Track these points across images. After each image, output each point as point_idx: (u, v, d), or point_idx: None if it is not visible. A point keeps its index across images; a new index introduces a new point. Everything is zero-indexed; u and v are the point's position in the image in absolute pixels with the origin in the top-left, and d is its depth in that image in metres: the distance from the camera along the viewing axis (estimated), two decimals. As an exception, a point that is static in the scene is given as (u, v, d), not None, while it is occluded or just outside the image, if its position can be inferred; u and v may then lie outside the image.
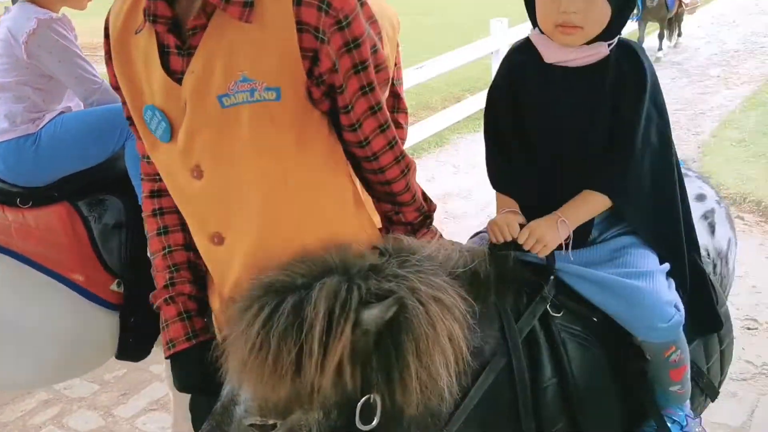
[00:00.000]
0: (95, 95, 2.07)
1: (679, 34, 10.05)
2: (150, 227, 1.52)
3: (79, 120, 2.08)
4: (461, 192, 5.36)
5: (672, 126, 1.59)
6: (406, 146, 1.70)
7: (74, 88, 2.05)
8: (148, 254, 1.59)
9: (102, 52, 1.42)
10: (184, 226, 1.47)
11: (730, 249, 1.93)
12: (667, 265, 1.53)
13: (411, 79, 5.82)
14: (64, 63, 2.00)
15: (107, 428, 3.02)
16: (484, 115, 1.65)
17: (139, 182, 2.08)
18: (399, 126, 1.87)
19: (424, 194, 1.55)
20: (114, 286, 2.11)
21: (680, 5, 9.41)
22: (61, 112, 2.10)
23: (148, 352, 2.28)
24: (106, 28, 1.39)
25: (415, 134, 6.11)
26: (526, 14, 1.54)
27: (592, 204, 1.50)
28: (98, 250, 2.09)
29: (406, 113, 1.99)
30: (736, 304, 3.22)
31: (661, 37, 9.38)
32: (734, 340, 1.89)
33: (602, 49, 1.46)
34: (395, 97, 1.91)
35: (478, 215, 4.91)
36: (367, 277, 1.20)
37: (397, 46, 1.92)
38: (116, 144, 2.08)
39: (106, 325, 2.12)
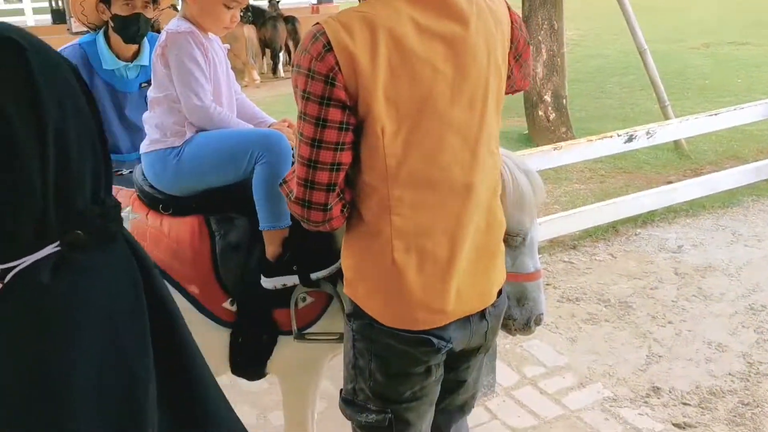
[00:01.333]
0: (196, 118, 2.10)
1: None
2: None
3: (217, 140, 2.11)
4: (728, 268, 4.51)
5: None
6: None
7: (182, 104, 2.10)
8: None
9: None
10: None
11: None
12: None
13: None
14: (177, 78, 2.06)
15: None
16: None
17: (262, 207, 2.07)
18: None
19: None
20: (227, 304, 2.12)
21: None
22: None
23: (261, 375, 2.28)
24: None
25: (697, 188, 5.33)
26: None
27: None
28: (217, 267, 2.11)
29: None
30: None
31: None
32: None
33: None
34: None
35: (737, 302, 4.09)
36: None
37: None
38: (247, 167, 2.09)
39: (216, 340, 2.14)
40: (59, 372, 1.06)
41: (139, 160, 3.06)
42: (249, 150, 2.06)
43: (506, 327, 2.11)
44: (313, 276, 2.07)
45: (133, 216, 2.14)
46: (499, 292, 1.82)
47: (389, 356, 1.69)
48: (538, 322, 2.08)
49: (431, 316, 1.65)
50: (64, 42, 10.05)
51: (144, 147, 2.19)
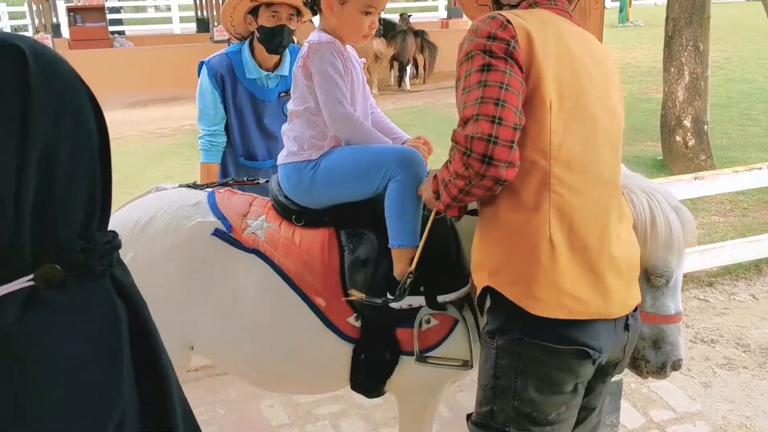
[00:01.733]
0: (338, 126, 2.08)
1: None
2: None
3: (353, 155, 2.10)
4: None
5: None
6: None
7: (323, 113, 2.09)
8: None
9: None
10: None
11: None
12: None
13: None
14: (320, 87, 2.05)
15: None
16: None
17: (393, 225, 2.05)
18: None
19: None
20: (352, 319, 2.11)
21: None
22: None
23: (380, 393, 2.25)
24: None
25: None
26: None
27: None
28: (345, 281, 2.10)
29: None
30: None
31: None
32: None
33: None
34: None
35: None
36: None
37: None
38: (380, 184, 2.07)
39: (339, 354, 2.13)
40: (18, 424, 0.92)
41: (273, 168, 3.15)
42: (384, 166, 2.04)
43: (637, 368, 2.02)
44: (440, 299, 2.02)
45: (267, 225, 2.16)
46: (634, 309, 1.79)
47: (540, 372, 1.68)
48: (675, 367, 1.98)
49: (577, 306, 1.65)
50: (207, 49, 10.64)
51: (281, 158, 2.22)
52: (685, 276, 4.51)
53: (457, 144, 1.62)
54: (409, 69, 12.93)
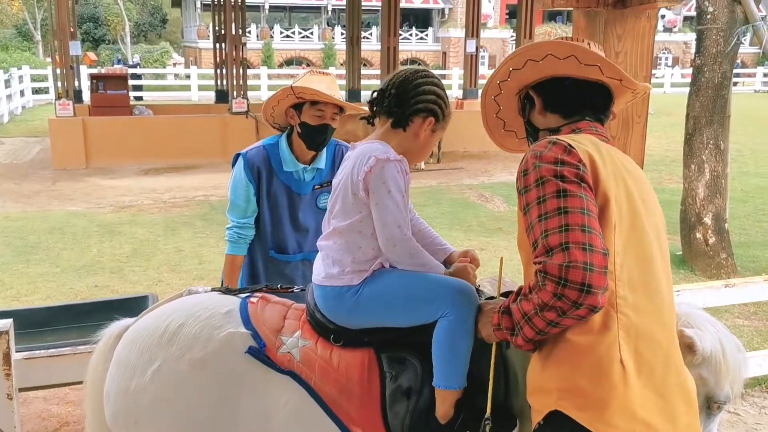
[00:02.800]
0: (393, 249, 1.98)
1: None
2: None
3: (401, 287, 1.99)
4: None
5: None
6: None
7: (378, 234, 1.99)
8: None
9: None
10: None
11: None
12: None
13: None
14: (379, 206, 1.96)
15: None
16: None
17: (441, 364, 1.93)
18: None
19: None
20: None
21: None
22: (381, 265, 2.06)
23: None
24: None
25: None
26: None
27: None
28: (385, 410, 1.98)
29: None
30: None
31: None
32: None
33: None
34: None
35: None
36: None
37: None
38: (431, 317, 1.96)
39: None
40: None
41: (303, 261, 3.07)
42: (436, 304, 1.93)
43: None
44: None
45: (303, 343, 2.05)
46: None
47: None
48: None
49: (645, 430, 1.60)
50: (225, 120, 10.77)
51: (319, 278, 2.09)
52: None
53: (547, 275, 1.56)
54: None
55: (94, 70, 17.29)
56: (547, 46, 1.79)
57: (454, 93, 19.43)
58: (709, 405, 1.91)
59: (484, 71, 17.55)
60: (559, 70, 1.81)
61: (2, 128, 17.47)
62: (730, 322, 5.58)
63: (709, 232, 6.80)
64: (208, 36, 31.47)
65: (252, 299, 2.16)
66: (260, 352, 1.99)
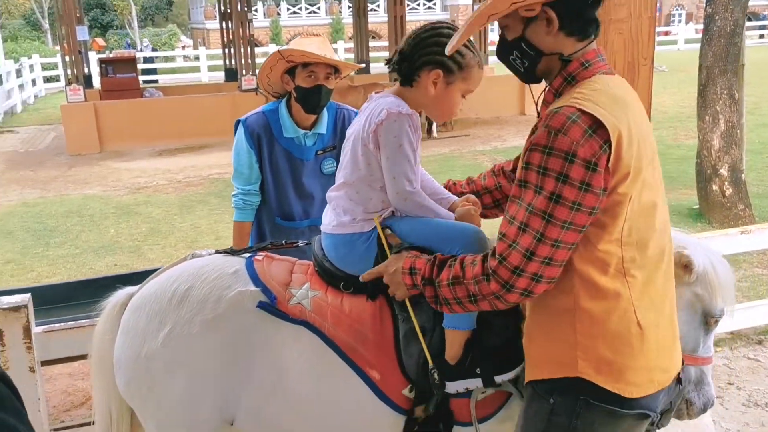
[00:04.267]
0: (403, 203, 1.98)
1: None
2: None
3: (415, 229, 1.99)
4: None
5: None
6: None
7: (387, 187, 1.99)
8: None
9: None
10: None
11: None
12: None
13: None
14: (390, 160, 1.95)
15: None
16: None
17: None
18: None
19: None
20: (406, 391, 2.00)
21: None
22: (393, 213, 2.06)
23: None
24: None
25: None
26: None
27: None
28: (399, 352, 1.99)
29: None
30: None
31: None
32: None
33: None
34: None
35: None
36: None
37: None
38: None
39: (392, 426, 2.01)
40: None
41: (310, 227, 3.07)
42: (449, 247, 1.93)
43: (679, 412, 2.04)
44: (498, 379, 1.91)
45: (313, 293, 2.06)
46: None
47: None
48: (708, 408, 2.09)
49: (662, 376, 1.69)
50: (235, 98, 10.76)
51: (329, 227, 2.10)
52: (732, 333, 4.36)
53: (497, 275, 1.61)
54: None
55: (103, 56, 17.28)
56: None
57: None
58: (707, 320, 2.02)
59: (494, 37, 17.33)
60: None
61: (16, 118, 17.59)
62: (749, 271, 5.54)
63: (726, 183, 6.72)
64: (215, 16, 31.37)
65: (257, 257, 2.16)
66: (271, 306, 2.00)
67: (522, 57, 1.68)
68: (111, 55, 15.13)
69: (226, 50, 14.77)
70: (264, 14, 36.78)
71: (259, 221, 3.19)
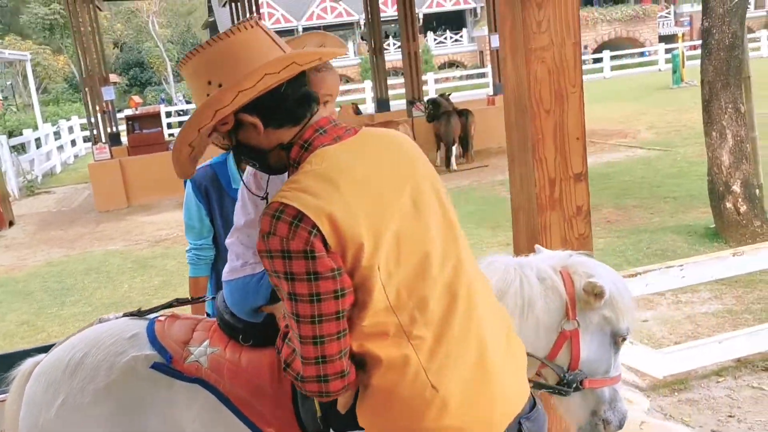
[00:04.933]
0: None
1: None
2: None
3: None
4: None
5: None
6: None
7: None
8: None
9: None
10: None
11: None
12: None
13: None
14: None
15: None
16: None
17: None
18: None
19: None
20: None
21: None
22: None
23: None
24: None
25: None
26: None
27: None
28: (297, 408, 1.92)
29: None
30: None
31: None
32: None
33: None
34: None
35: None
36: None
37: None
38: None
39: None
40: None
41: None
42: None
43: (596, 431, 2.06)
44: None
45: (211, 350, 2.02)
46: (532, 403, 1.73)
47: None
48: (623, 423, 2.08)
49: (481, 428, 1.57)
50: None
51: (224, 274, 2.09)
52: (738, 361, 4.13)
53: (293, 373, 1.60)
54: (455, 149, 12.87)
55: (129, 113, 17.82)
56: (260, 71, 1.49)
57: (490, 91, 19.15)
58: (616, 341, 2.03)
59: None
60: (275, 81, 1.51)
61: (55, 178, 18.17)
62: (764, 292, 5.27)
63: (740, 200, 6.46)
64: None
65: (160, 318, 2.13)
66: (166, 366, 1.96)
67: (251, 159, 1.66)
68: (137, 112, 15.60)
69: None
70: (354, 53, 37.63)
71: (217, 273, 3.16)
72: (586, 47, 35.99)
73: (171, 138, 16.34)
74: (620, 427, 2.06)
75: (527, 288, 1.98)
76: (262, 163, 1.65)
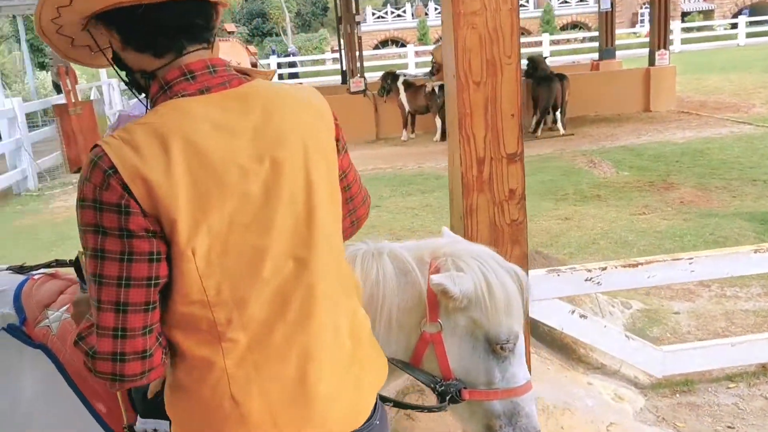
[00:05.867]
0: None
1: None
2: None
3: None
4: None
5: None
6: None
7: None
8: None
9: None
10: None
11: None
12: None
13: None
14: None
15: None
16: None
17: None
18: None
19: None
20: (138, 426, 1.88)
21: None
22: None
23: None
24: None
25: None
26: None
27: None
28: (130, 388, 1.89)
29: None
30: None
31: None
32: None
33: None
34: None
35: None
36: None
37: None
38: None
39: None
40: None
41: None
42: None
43: None
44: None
45: (66, 316, 1.97)
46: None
47: None
48: None
49: None
50: (343, 100, 11.18)
51: None
52: (764, 367, 3.74)
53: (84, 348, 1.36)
54: (558, 115, 12.22)
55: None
56: None
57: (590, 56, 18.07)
58: (493, 348, 1.76)
59: (622, 30, 16.22)
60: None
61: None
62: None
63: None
64: (365, 20, 32.13)
65: (36, 277, 2.13)
66: (16, 328, 1.96)
67: (124, 72, 1.48)
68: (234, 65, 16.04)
69: (341, 52, 15.07)
70: (412, 15, 37.17)
71: None
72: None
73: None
74: None
75: (382, 282, 1.77)
76: (131, 82, 1.48)
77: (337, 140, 1.55)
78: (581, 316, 3.55)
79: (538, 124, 12.36)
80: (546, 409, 3.19)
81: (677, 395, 3.72)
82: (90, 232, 1.28)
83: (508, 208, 2.38)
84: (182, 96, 1.35)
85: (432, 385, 1.78)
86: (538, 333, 3.82)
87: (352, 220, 1.71)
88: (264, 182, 1.35)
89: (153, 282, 1.30)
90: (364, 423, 1.50)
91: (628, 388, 3.75)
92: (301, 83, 21.97)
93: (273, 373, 1.38)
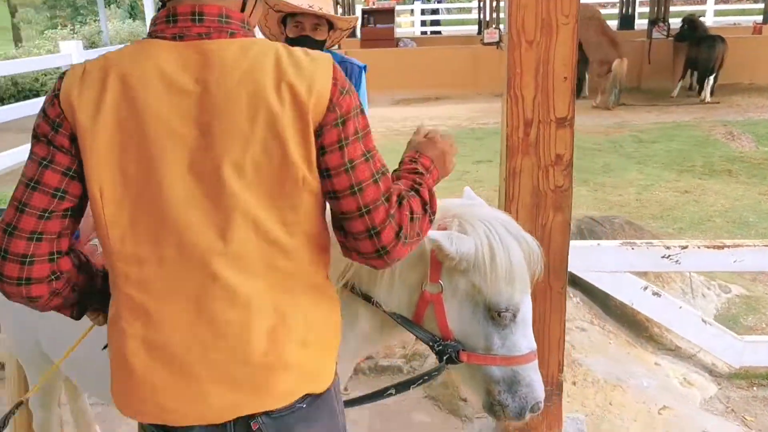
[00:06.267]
0: None
1: None
2: None
3: None
4: None
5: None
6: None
7: None
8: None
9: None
10: None
11: None
12: None
13: None
14: None
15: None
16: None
17: None
18: None
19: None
20: None
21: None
22: None
23: None
24: None
25: None
26: None
27: None
28: None
29: None
30: None
31: None
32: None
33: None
34: None
35: None
36: None
37: None
38: None
39: None
40: None
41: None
42: None
43: (495, 414, 1.83)
44: None
45: None
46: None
47: None
48: (535, 410, 1.81)
49: (170, 416, 1.39)
50: (477, 51, 11.40)
51: None
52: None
53: None
54: (712, 79, 11.34)
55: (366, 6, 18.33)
56: None
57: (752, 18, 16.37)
58: (492, 316, 1.73)
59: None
60: None
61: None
62: None
63: None
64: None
65: None
66: None
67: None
68: (373, 6, 16.06)
69: (479, 3, 14.73)
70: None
71: None
72: None
73: (400, 36, 16.65)
74: (521, 415, 1.80)
75: None
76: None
77: (322, 126, 1.33)
78: (654, 293, 3.39)
79: (701, 87, 11.47)
80: (596, 383, 3.12)
81: (754, 388, 3.50)
82: (33, 134, 1.39)
83: (554, 173, 2.30)
84: (156, 37, 1.36)
85: (431, 344, 1.79)
86: (607, 306, 3.69)
87: (350, 250, 1.45)
88: (189, 151, 1.31)
89: (59, 194, 1.36)
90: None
91: (701, 374, 3.57)
92: (440, 32, 21.55)
93: (160, 345, 1.37)
